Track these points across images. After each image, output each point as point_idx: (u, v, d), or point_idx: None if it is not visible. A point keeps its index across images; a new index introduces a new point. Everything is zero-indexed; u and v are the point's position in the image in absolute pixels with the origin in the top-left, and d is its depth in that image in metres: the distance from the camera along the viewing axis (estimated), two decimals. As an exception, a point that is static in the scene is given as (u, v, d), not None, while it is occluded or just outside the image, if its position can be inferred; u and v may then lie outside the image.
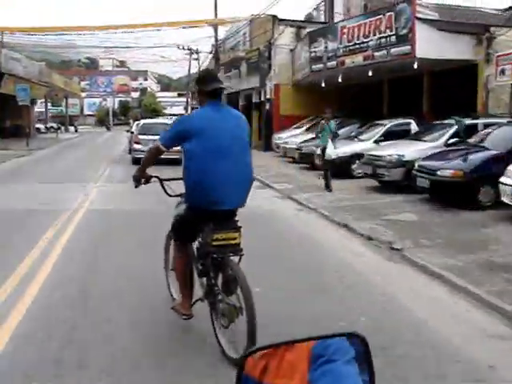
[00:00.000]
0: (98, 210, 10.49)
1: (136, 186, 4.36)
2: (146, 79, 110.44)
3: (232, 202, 3.89)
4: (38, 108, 53.56)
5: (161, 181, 4.42)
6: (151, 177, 4.30)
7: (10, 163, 21.05)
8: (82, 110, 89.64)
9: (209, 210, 3.84)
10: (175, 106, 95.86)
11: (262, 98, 26.93)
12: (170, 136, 4.00)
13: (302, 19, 32.52)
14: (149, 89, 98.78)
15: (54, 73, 46.30)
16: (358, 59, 17.88)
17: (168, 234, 4.62)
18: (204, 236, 3.95)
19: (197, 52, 53.10)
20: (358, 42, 17.91)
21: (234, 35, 33.95)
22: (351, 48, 18.37)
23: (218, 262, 3.90)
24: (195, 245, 4.24)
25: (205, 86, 3.95)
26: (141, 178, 4.25)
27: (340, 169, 14.07)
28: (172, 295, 4.75)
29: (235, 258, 3.92)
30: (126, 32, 34.04)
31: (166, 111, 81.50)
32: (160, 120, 29.12)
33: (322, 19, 29.63)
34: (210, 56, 40.43)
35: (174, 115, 78.02)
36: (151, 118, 37.56)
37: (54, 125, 55.96)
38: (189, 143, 3.82)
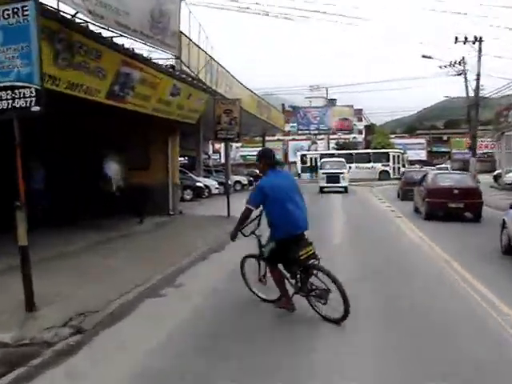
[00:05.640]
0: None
1: (233, 241, 6.43)
2: (360, 119, 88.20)
3: (301, 228, 6.01)
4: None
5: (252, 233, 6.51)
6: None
7: None
8: (285, 156, 68.95)
9: (291, 236, 5.94)
10: (408, 149, 70.97)
11: None
12: (254, 199, 6.05)
13: None
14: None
15: (236, 81, 23.74)
16: None
17: (242, 261, 7.00)
18: (293, 255, 5.84)
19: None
20: None
21: None
22: None
23: (307, 266, 5.94)
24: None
25: (269, 160, 6.24)
26: (236, 235, 6.35)
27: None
28: (258, 295, 6.80)
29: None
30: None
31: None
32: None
33: None
34: None
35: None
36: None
37: (243, 178, 34.37)
38: (267, 199, 5.93)
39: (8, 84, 5.62)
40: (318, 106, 71.46)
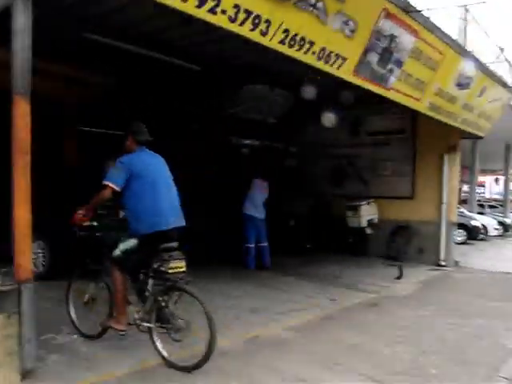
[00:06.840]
0: None
1: (76, 232, 4.65)
2: None
3: (172, 223, 4.31)
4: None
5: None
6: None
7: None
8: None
9: (160, 232, 4.21)
10: None
11: None
12: (117, 176, 4.23)
13: None
14: None
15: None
16: None
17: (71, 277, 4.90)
18: (159, 266, 4.20)
19: None
20: None
21: None
22: None
23: (171, 287, 4.21)
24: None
25: (141, 136, 4.42)
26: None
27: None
28: (74, 322, 4.91)
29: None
30: None
31: None
32: None
33: None
34: None
35: None
36: None
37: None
38: (131, 181, 4.23)
39: None
40: None
